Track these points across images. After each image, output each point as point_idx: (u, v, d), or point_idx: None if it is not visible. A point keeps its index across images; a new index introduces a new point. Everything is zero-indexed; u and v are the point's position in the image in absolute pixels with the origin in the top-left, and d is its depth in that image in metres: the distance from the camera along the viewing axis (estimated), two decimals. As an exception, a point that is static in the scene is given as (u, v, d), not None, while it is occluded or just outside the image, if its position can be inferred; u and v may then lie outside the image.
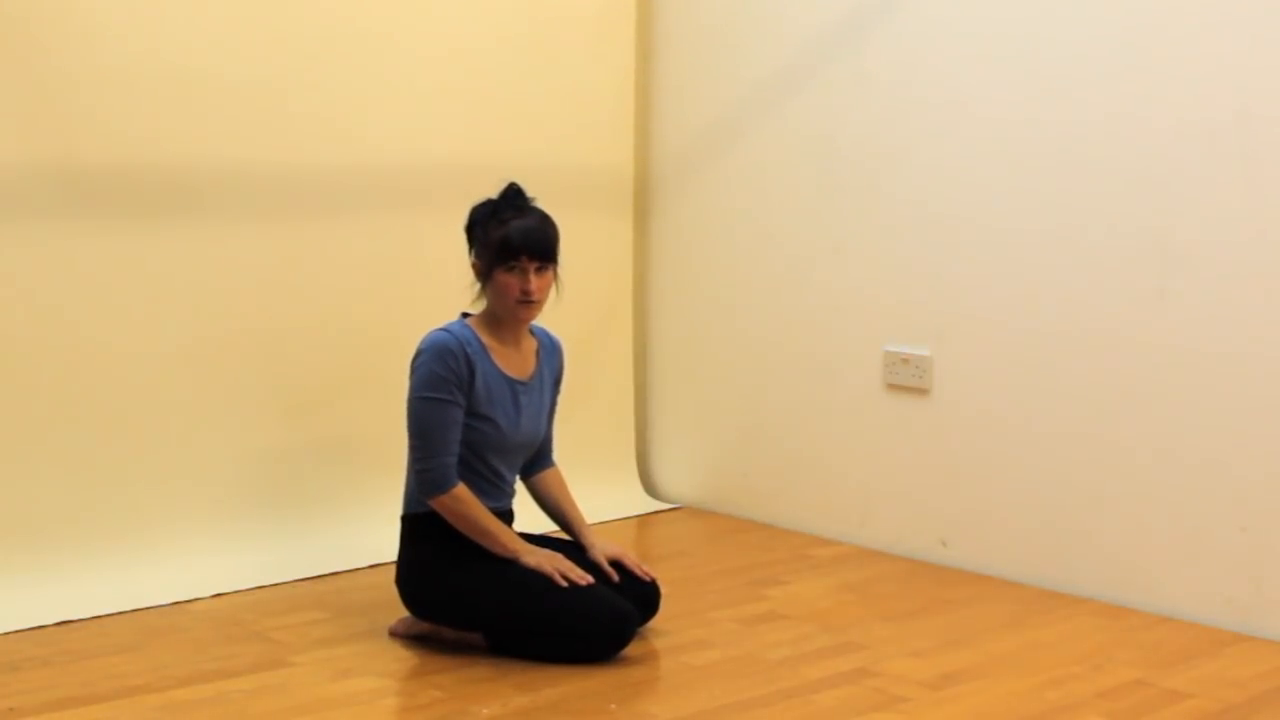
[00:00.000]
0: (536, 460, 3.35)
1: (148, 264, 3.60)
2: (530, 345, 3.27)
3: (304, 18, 3.80)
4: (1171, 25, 3.41)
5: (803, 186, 4.24)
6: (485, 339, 3.16)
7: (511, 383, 3.18)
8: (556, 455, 3.44)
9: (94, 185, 3.49)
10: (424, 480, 3.09)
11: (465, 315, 3.22)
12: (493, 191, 3.20)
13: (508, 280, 3.11)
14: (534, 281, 3.11)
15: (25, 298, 3.42)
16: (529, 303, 3.13)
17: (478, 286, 3.19)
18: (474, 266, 3.19)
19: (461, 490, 3.08)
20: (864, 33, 4.03)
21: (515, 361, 3.21)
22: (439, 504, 3.09)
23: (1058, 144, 3.63)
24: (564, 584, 3.06)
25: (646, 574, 3.28)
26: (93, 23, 3.46)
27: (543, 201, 3.23)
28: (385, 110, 3.97)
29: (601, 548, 3.28)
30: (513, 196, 3.18)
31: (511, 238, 3.09)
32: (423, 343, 3.13)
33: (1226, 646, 3.25)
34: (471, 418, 3.11)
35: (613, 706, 2.84)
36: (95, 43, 3.46)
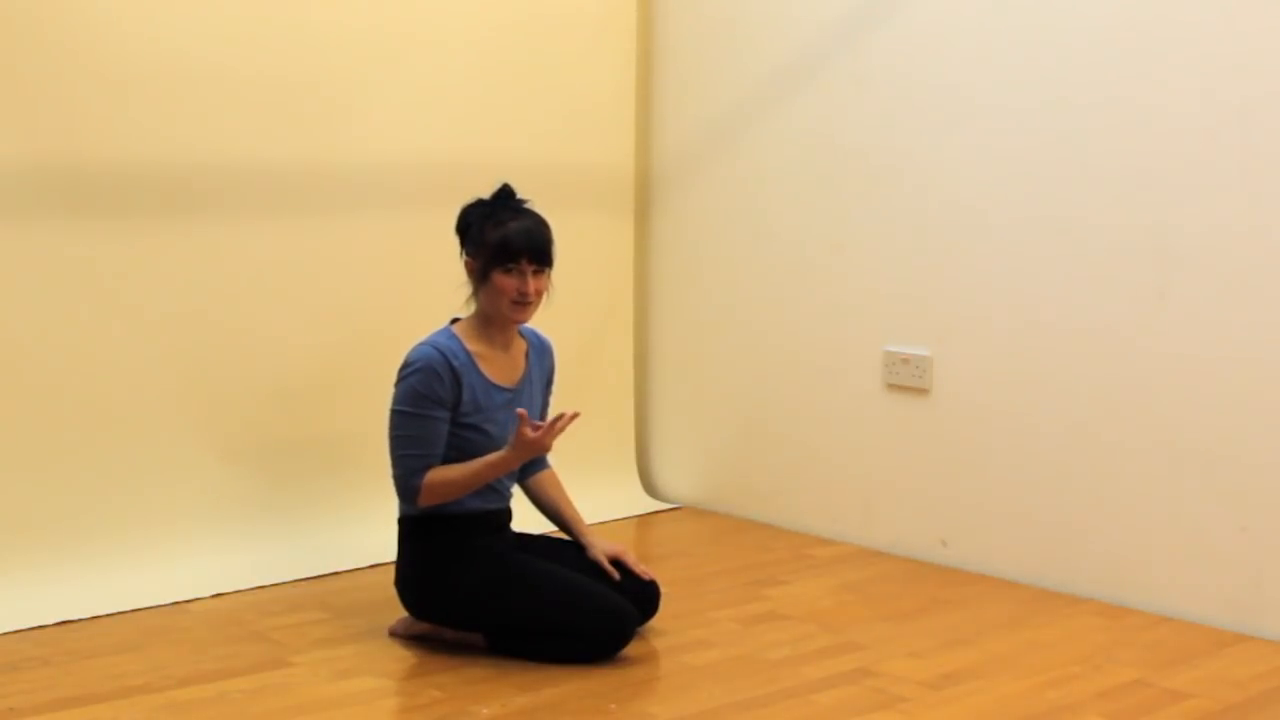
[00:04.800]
0: (531, 463, 3.34)
1: (148, 263, 3.60)
2: (520, 347, 3.27)
3: (303, 17, 3.80)
4: (1171, 25, 3.41)
5: (803, 186, 4.24)
6: (473, 346, 3.15)
7: (500, 390, 3.17)
8: (555, 455, 3.43)
9: (93, 185, 3.49)
10: (399, 489, 3.11)
11: (453, 320, 3.22)
12: (491, 191, 3.20)
13: (505, 282, 3.11)
14: (531, 283, 3.11)
15: (25, 297, 3.42)
16: (525, 304, 3.13)
17: (469, 288, 3.19)
18: (467, 266, 3.18)
19: (431, 475, 3.07)
20: (864, 33, 4.03)
21: (504, 366, 3.20)
22: (423, 501, 3.09)
23: (1058, 144, 3.63)
24: (535, 433, 2.99)
25: (646, 573, 3.28)
26: (91, 23, 3.45)
27: (543, 201, 3.23)
28: (385, 110, 3.97)
29: (601, 546, 3.28)
30: (506, 197, 3.18)
31: (511, 239, 3.09)
32: (409, 355, 3.13)
33: (1226, 646, 3.25)
34: (462, 428, 3.11)
35: (613, 706, 2.84)
36: (94, 43, 3.46)
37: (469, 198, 3.21)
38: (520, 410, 3.05)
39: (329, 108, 3.86)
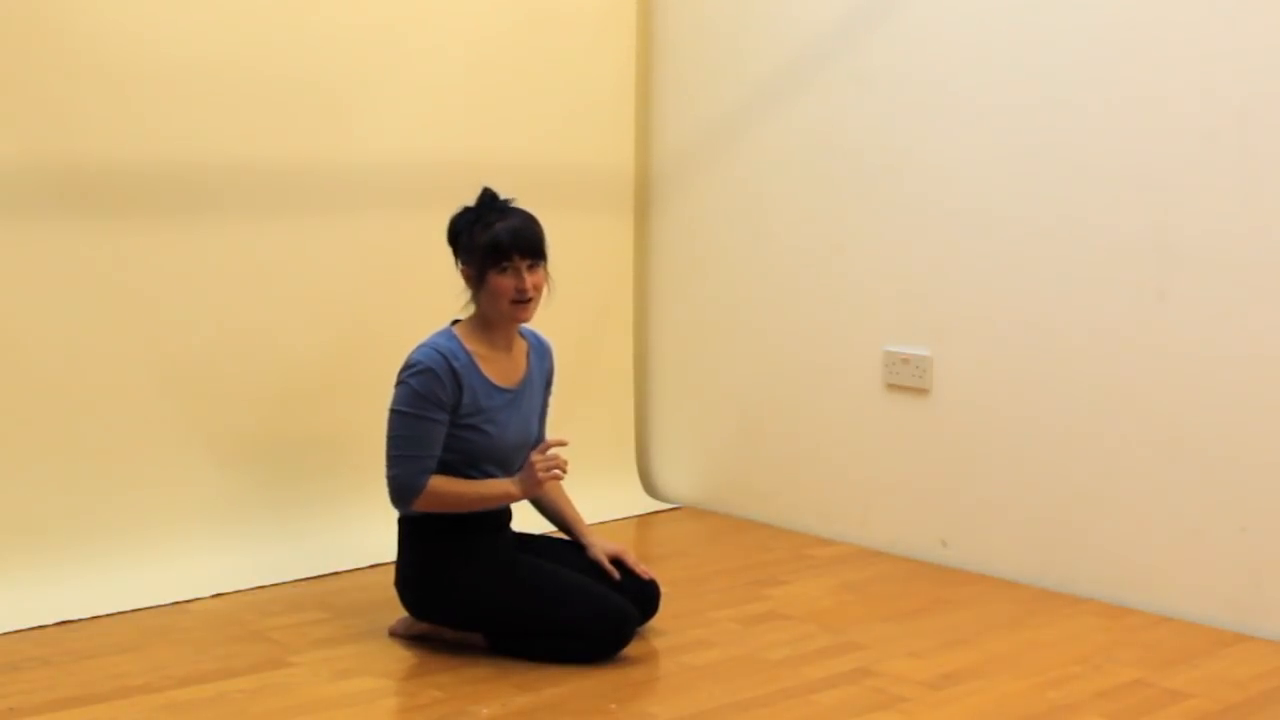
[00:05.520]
0: None
1: (148, 263, 3.60)
2: (521, 347, 3.27)
3: (304, 16, 3.80)
4: (1172, 25, 3.41)
5: (803, 186, 4.24)
6: (474, 348, 3.15)
7: (501, 391, 3.17)
8: (555, 455, 3.44)
9: (92, 184, 3.49)
10: (392, 488, 3.09)
11: (455, 321, 3.22)
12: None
13: (501, 282, 3.10)
14: (528, 279, 3.11)
15: (23, 297, 3.42)
16: (525, 302, 3.13)
17: (468, 294, 3.18)
18: (463, 274, 3.18)
19: (433, 482, 3.07)
20: (864, 33, 4.03)
21: (505, 367, 3.20)
22: (419, 506, 3.09)
23: (1058, 144, 3.63)
24: (562, 476, 3.10)
25: (646, 573, 3.28)
26: (91, 22, 3.45)
27: (543, 201, 3.23)
28: (385, 109, 3.97)
29: (601, 546, 3.28)
30: (491, 201, 3.18)
31: (500, 238, 3.09)
32: (411, 357, 3.12)
33: (1226, 646, 3.25)
34: (462, 429, 3.11)
35: (613, 706, 2.84)
36: (94, 42, 3.46)
37: (469, 197, 3.21)
38: (538, 450, 3.13)
39: (329, 107, 3.86)
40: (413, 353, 3.13)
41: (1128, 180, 3.50)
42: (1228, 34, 3.32)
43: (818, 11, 4.15)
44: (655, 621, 3.29)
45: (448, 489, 3.08)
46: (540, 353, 3.33)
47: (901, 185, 3.98)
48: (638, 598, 3.21)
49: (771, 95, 4.30)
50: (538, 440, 3.33)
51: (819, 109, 4.17)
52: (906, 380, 4.00)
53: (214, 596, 3.51)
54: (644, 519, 4.47)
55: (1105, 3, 3.53)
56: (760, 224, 4.37)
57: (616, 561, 3.26)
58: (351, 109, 3.91)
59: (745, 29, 4.36)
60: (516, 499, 3.15)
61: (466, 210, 3.19)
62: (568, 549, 3.29)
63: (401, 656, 3.13)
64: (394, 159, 4.00)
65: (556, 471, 3.08)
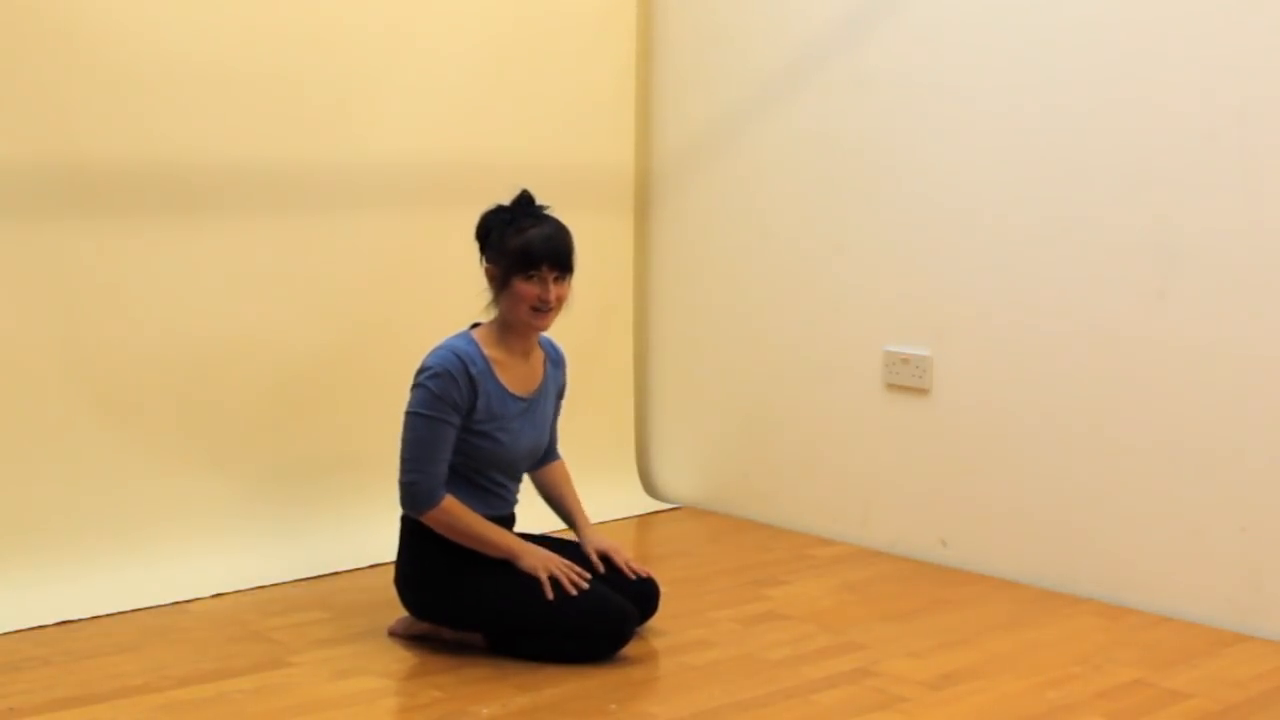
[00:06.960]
0: (542, 456, 3.35)
1: (148, 262, 3.60)
2: (538, 356, 3.26)
3: (304, 16, 3.80)
4: (1172, 25, 3.41)
5: (803, 186, 4.24)
6: (492, 352, 3.14)
7: (516, 399, 3.17)
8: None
9: (93, 183, 3.49)
10: (409, 493, 3.08)
11: (474, 325, 3.21)
12: (492, 191, 3.19)
13: (526, 288, 3.09)
14: (552, 290, 3.10)
15: (25, 297, 3.42)
16: (545, 311, 3.12)
17: (489, 295, 3.17)
18: (487, 273, 3.17)
19: (448, 502, 3.07)
20: (864, 33, 4.03)
21: (522, 375, 3.20)
22: (428, 518, 3.08)
23: (1058, 144, 3.63)
24: (552, 594, 3.05)
25: (634, 572, 3.26)
26: (92, 22, 3.45)
27: (543, 201, 3.23)
28: (385, 109, 3.97)
29: (595, 542, 3.27)
30: (527, 204, 3.16)
31: (533, 246, 3.08)
32: (428, 359, 3.11)
33: (1226, 646, 3.25)
34: (473, 435, 3.10)
35: (613, 706, 2.84)
36: (94, 41, 3.46)
37: (471, 196, 3.20)
38: (603, 556, 3.22)
39: (330, 107, 3.86)
40: (429, 355, 3.12)
41: (1128, 180, 3.51)
42: (1228, 34, 3.32)
43: (818, 11, 4.15)
44: (655, 621, 3.29)
45: (461, 517, 3.07)
46: (556, 362, 3.33)
47: (901, 185, 3.98)
48: (637, 597, 3.21)
49: (771, 95, 4.30)
50: (550, 438, 3.33)
51: (819, 109, 4.17)
52: (906, 380, 4.00)
53: (214, 596, 3.51)
54: (644, 519, 4.47)
55: (1105, 3, 3.53)
56: (760, 224, 4.37)
57: (604, 559, 3.25)
58: (352, 109, 3.91)
59: (745, 29, 4.36)
60: (515, 561, 3.10)
61: (501, 209, 3.16)
62: (568, 550, 3.28)
63: (401, 656, 3.13)
64: (394, 159, 4.00)
65: (569, 584, 3.06)
